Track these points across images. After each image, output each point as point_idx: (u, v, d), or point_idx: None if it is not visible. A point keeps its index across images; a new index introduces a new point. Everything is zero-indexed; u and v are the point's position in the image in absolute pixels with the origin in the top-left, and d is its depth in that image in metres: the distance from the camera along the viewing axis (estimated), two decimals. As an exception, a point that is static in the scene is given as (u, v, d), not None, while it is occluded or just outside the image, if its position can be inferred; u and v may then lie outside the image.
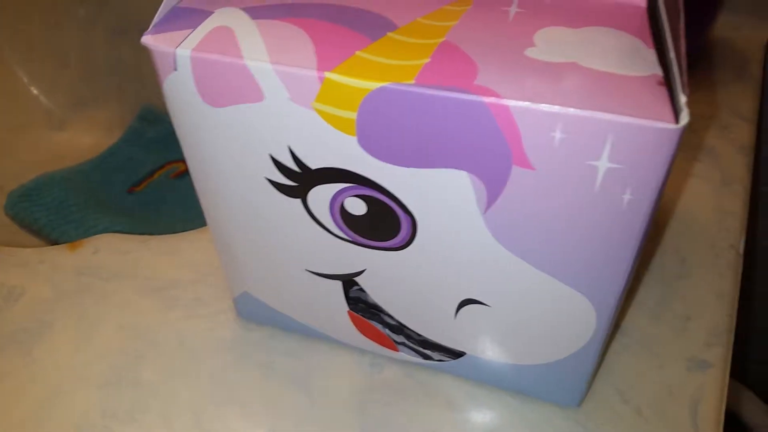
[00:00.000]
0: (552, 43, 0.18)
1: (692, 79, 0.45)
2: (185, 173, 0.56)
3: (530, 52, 0.18)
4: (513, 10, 0.20)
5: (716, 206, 0.35)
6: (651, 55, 0.18)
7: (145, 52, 0.58)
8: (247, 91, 0.18)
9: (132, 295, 0.30)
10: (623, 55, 0.18)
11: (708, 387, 0.27)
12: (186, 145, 0.21)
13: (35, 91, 0.60)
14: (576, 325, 0.22)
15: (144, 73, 0.59)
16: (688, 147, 0.39)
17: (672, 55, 0.16)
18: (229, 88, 0.19)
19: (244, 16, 0.19)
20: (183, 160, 0.58)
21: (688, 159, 0.38)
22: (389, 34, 0.19)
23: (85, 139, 0.60)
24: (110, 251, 0.32)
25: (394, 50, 0.18)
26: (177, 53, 0.18)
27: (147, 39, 0.19)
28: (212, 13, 0.19)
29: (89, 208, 0.52)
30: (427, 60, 0.18)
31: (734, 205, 0.35)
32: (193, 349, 0.28)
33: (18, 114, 0.59)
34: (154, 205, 0.53)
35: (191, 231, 0.33)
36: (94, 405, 0.26)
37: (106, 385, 0.27)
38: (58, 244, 0.49)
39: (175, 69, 0.19)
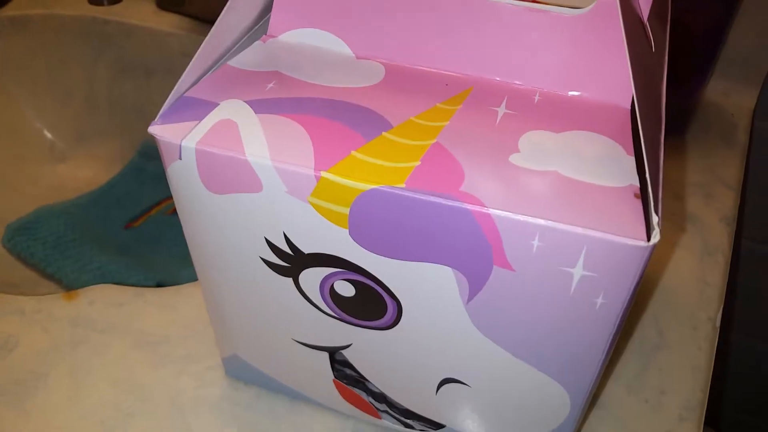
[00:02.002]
0: (535, 150, 0.20)
1: (681, 143, 0.46)
2: (182, 211, 0.57)
3: (514, 159, 0.19)
4: (501, 110, 0.21)
5: (697, 277, 0.36)
6: (629, 162, 0.19)
7: (147, 90, 0.60)
8: (247, 182, 0.20)
9: (125, 349, 0.31)
10: (602, 164, 0.19)
11: (680, 463, 0.28)
12: (186, 223, 0.22)
13: (38, 125, 0.61)
14: (550, 408, 0.23)
15: (145, 109, 0.60)
16: (673, 215, 0.40)
17: (648, 167, 0.18)
18: (230, 178, 0.20)
19: (248, 110, 0.20)
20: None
21: (673, 228, 0.39)
22: (384, 133, 0.20)
23: (85, 172, 0.61)
24: (105, 303, 0.33)
25: (388, 151, 0.19)
26: (182, 145, 0.19)
27: (154, 129, 0.20)
28: (217, 104, 0.21)
29: (85, 245, 0.52)
30: (417, 163, 0.19)
31: (714, 277, 0.36)
32: (182, 407, 0.29)
33: (20, 147, 0.60)
34: (150, 242, 0.54)
35: (185, 285, 0.34)
36: (82, 461, 0.26)
37: (95, 440, 0.27)
38: (53, 278, 0.50)
39: (180, 158, 0.20)
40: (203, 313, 0.33)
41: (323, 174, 0.19)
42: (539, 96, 0.22)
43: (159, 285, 0.49)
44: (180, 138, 0.19)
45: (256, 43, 0.23)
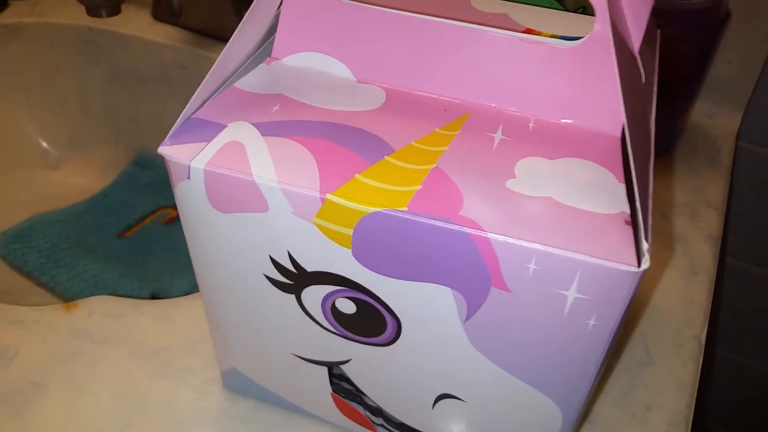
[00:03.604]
0: (530, 176, 0.20)
1: (669, 164, 0.48)
2: (176, 220, 0.58)
3: (511, 184, 0.20)
4: (497, 137, 0.22)
5: (683, 296, 0.37)
6: (620, 189, 0.20)
7: (141, 99, 0.60)
8: (254, 202, 0.20)
9: (124, 360, 0.31)
10: (594, 190, 0.20)
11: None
12: (191, 239, 0.23)
13: (32, 132, 0.61)
14: (543, 424, 0.24)
15: (139, 118, 0.61)
16: (661, 235, 0.41)
17: (638, 195, 0.18)
18: (237, 198, 0.20)
19: (255, 132, 0.21)
20: (173, 206, 0.59)
21: (660, 247, 0.40)
22: (386, 157, 0.21)
23: (78, 179, 0.61)
24: (104, 314, 0.33)
25: (390, 175, 0.20)
26: (191, 166, 0.20)
27: (164, 149, 0.20)
28: (225, 126, 0.21)
29: (79, 253, 0.52)
30: (418, 187, 0.20)
31: (699, 296, 0.37)
32: (180, 419, 0.29)
33: (14, 153, 0.60)
34: (142, 252, 0.55)
35: (184, 297, 0.34)
36: (81, 472, 0.27)
37: (94, 451, 0.28)
38: (47, 287, 0.50)
39: (188, 178, 0.20)
40: (201, 325, 0.33)
41: (328, 196, 0.19)
42: (534, 123, 0.23)
43: (153, 294, 0.49)
44: (189, 159, 0.20)
45: (261, 65, 0.24)
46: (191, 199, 0.21)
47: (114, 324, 0.33)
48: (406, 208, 0.19)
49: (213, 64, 0.55)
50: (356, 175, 0.20)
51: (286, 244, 0.21)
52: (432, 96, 0.24)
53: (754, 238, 0.58)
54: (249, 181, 0.20)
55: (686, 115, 0.48)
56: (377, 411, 0.27)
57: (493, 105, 0.23)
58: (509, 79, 0.23)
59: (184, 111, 0.21)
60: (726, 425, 0.72)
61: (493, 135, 0.22)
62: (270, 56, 0.25)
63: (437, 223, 0.19)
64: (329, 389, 0.27)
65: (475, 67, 0.23)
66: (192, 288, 0.51)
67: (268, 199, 0.20)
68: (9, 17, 0.58)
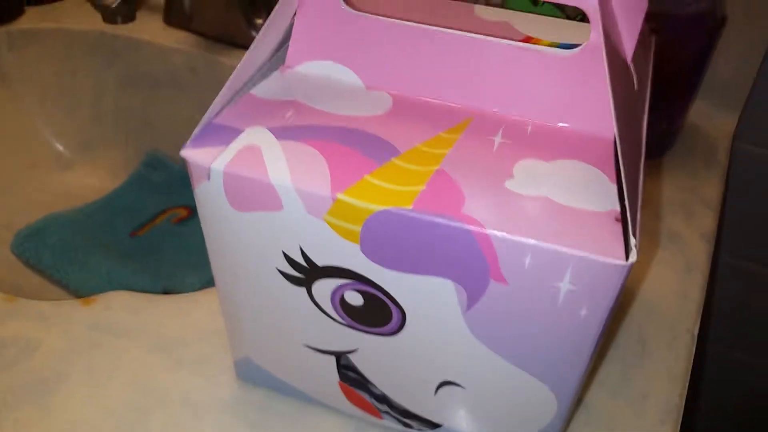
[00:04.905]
0: (528, 176, 0.22)
1: (665, 163, 0.49)
2: (187, 219, 0.59)
3: (509, 184, 0.21)
4: (497, 140, 0.23)
5: (678, 291, 0.39)
6: (612, 190, 0.22)
7: (153, 102, 0.62)
8: (269, 202, 0.22)
9: (141, 352, 0.33)
10: (587, 190, 0.22)
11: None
12: (209, 236, 0.24)
13: (47, 134, 0.63)
14: (539, 409, 0.25)
15: (151, 120, 0.62)
16: (655, 233, 0.43)
17: (627, 194, 0.20)
18: (254, 198, 0.22)
19: (270, 137, 0.23)
20: (185, 206, 0.60)
21: (655, 244, 0.42)
22: (393, 159, 0.22)
23: (91, 180, 0.63)
24: (122, 308, 0.35)
25: (396, 176, 0.21)
26: (212, 168, 0.22)
27: (186, 152, 0.22)
28: (242, 131, 0.23)
29: (92, 251, 0.54)
30: (423, 187, 0.21)
31: (693, 291, 0.39)
32: (195, 408, 0.31)
33: (28, 154, 0.62)
34: (155, 250, 0.56)
35: (198, 292, 0.36)
36: (103, 456, 0.28)
37: (115, 437, 0.29)
38: (61, 284, 0.52)
39: (208, 179, 0.22)
40: (215, 319, 0.35)
41: (339, 196, 0.21)
42: (531, 126, 0.24)
43: (165, 291, 0.51)
44: (209, 161, 0.22)
45: (275, 73, 0.26)
46: (211, 198, 0.23)
47: (131, 318, 0.34)
48: (411, 207, 0.20)
49: (223, 68, 0.57)
50: (365, 176, 0.21)
51: (298, 240, 0.23)
52: (436, 101, 0.25)
53: (749, 236, 0.59)
54: (265, 182, 0.21)
55: (683, 117, 0.49)
56: (382, 398, 0.28)
57: (495, 110, 0.25)
58: (509, 85, 0.24)
59: (204, 116, 0.22)
60: (717, 418, 0.73)
61: (493, 138, 0.24)
62: (284, 64, 0.26)
63: (440, 220, 0.20)
64: (337, 378, 0.28)
65: (477, 73, 0.24)
66: (202, 285, 0.53)
67: (283, 199, 0.22)
68: (26, 23, 0.60)
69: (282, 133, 0.23)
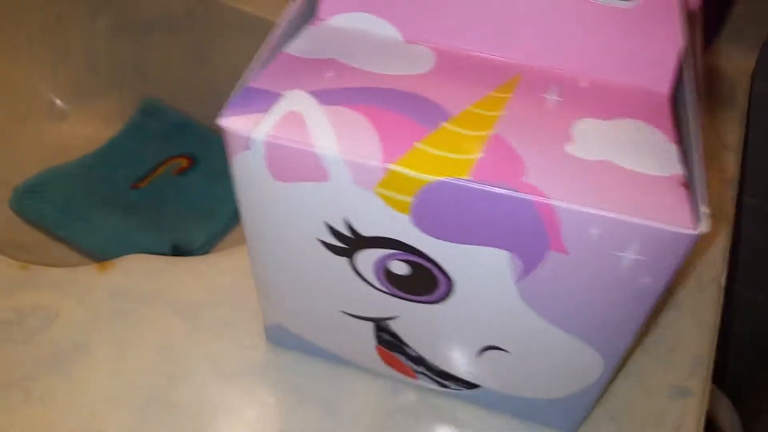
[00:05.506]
0: (587, 139, 0.21)
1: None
2: (189, 170, 0.57)
3: (569, 149, 0.20)
4: (551, 98, 0.22)
5: (702, 238, 0.38)
6: (673, 151, 0.21)
7: (146, 47, 0.59)
8: (315, 172, 0.20)
9: (163, 317, 0.32)
10: (650, 152, 0.20)
11: (688, 414, 0.30)
12: (246, 207, 0.23)
13: (37, 84, 0.60)
14: (585, 371, 0.25)
15: (145, 66, 0.60)
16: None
17: (695, 158, 0.19)
18: (298, 168, 0.21)
19: (312, 102, 0.21)
20: (185, 155, 0.59)
21: (676, 191, 0.41)
22: (444, 124, 0.21)
23: (86, 130, 0.60)
24: (140, 273, 0.34)
25: (449, 142, 0.20)
26: (252, 138, 0.20)
27: (224, 121, 0.20)
28: (281, 95, 0.21)
29: (94, 206, 0.53)
30: (480, 155, 0.20)
31: (718, 238, 0.38)
32: (223, 372, 0.30)
33: (19, 106, 0.59)
34: (158, 203, 0.55)
35: (218, 254, 0.35)
36: (132, 428, 0.28)
37: (144, 408, 0.29)
38: (64, 241, 0.51)
39: (248, 149, 0.21)
40: (239, 280, 0.34)
41: (391, 166, 0.20)
42: (585, 82, 0.23)
43: (174, 246, 0.50)
44: (249, 131, 0.20)
45: (309, 27, 0.24)
46: (250, 168, 0.21)
47: (151, 282, 0.33)
48: (470, 177, 0.19)
49: (221, 8, 0.54)
50: (416, 144, 0.20)
51: (343, 211, 0.21)
52: (482, 55, 0.24)
53: None
54: (311, 152, 0.20)
55: (703, 53, 0.48)
56: (419, 360, 0.28)
57: (544, 64, 0.23)
58: (560, 37, 0.23)
59: (239, 80, 0.21)
60: (746, 365, 0.74)
61: (546, 96, 0.22)
62: (315, 17, 0.24)
63: (501, 191, 0.19)
64: (374, 342, 0.28)
65: (526, 24, 0.23)
66: (210, 237, 0.52)
67: (330, 170, 0.20)
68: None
69: (324, 96, 0.21)
